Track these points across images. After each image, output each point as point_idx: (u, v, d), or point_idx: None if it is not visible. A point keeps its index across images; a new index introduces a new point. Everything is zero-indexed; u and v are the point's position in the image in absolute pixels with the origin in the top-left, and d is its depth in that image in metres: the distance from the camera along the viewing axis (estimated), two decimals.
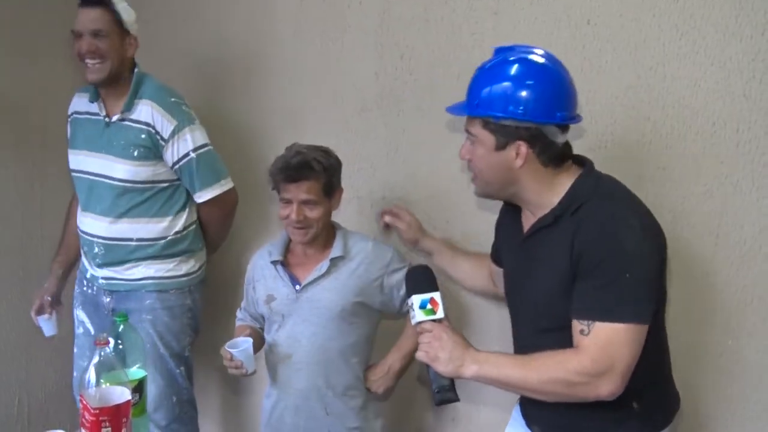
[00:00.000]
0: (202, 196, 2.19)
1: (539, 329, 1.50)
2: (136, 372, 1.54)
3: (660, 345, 1.51)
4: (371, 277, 1.90)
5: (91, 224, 2.18)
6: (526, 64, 1.45)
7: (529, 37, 1.88)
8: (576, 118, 1.48)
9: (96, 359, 1.38)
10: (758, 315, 1.68)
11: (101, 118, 2.16)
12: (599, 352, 1.32)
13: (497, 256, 1.76)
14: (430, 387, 1.46)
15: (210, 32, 2.43)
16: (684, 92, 1.72)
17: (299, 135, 2.10)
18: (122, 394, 1.39)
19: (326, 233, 1.93)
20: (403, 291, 1.89)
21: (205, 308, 2.38)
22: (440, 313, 1.45)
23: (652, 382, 1.47)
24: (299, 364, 1.90)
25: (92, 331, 2.28)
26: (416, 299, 1.46)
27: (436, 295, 1.46)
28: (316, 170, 1.82)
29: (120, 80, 2.12)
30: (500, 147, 1.44)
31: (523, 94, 1.41)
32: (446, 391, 1.43)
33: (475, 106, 1.45)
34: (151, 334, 2.18)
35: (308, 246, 1.92)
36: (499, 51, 1.50)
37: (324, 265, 1.88)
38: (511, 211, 1.62)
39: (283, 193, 1.86)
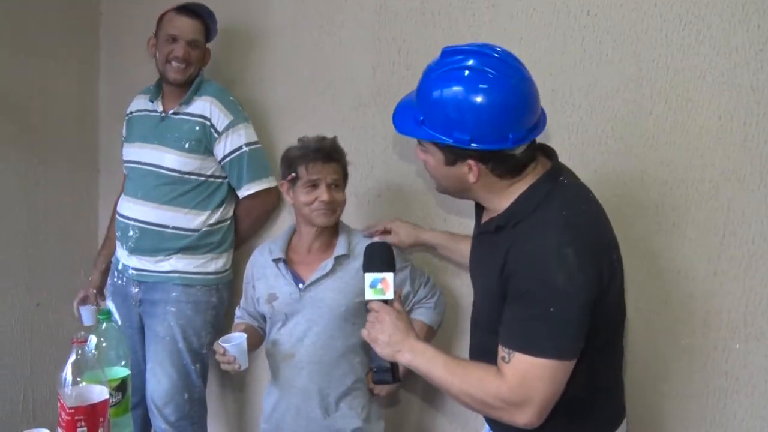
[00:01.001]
0: (249, 189, 2.28)
1: (477, 324, 1.48)
2: (118, 370, 1.51)
3: (597, 376, 1.40)
4: None
5: (131, 208, 2.28)
6: (475, 77, 1.27)
7: (526, 29, 1.83)
8: (535, 131, 1.32)
9: (73, 357, 1.35)
10: (767, 318, 1.60)
11: (158, 113, 2.29)
12: (517, 383, 1.27)
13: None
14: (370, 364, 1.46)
15: None
16: (688, 85, 1.65)
17: (294, 130, 2.07)
18: (100, 393, 1.37)
19: (330, 230, 1.90)
20: (406, 289, 1.87)
21: (231, 304, 2.38)
22: (389, 295, 1.43)
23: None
24: (301, 363, 1.87)
25: (119, 322, 2.34)
26: (368, 277, 1.45)
27: (389, 276, 1.44)
28: (343, 154, 1.87)
29: (190, 82, 2.27)
30: (450, 163, 1.34)
31: (470, 117, 1.26)
32: (383, 372, 1.44)
33: (420, 124, 1.33)
34: (172, 327, 2.25)
35: (314, 241, 1.89)
36: (448, 53, 1.33)
37: (328, 263, 1.85)
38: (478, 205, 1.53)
39: (311, 174, 1.82)
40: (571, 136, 1.80)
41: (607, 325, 1.37)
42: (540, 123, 1.35)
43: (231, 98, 2.29)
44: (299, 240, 1.93)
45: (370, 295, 1.44)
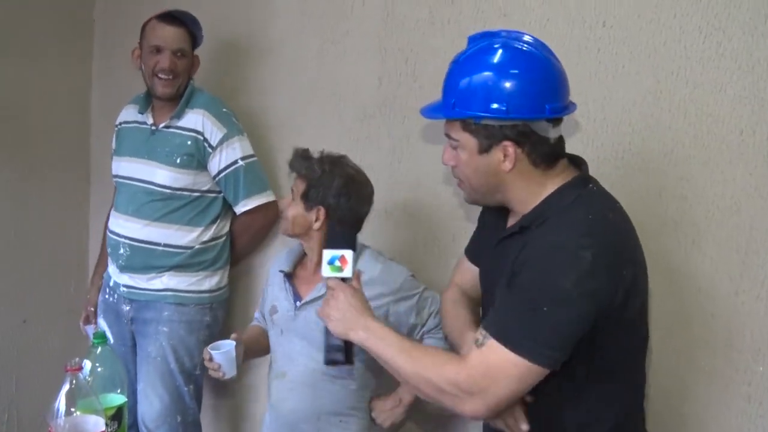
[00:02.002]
0: (247, 204, 2.20)
1: None
2: (114, 398, 1.43)
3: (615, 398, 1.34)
4: (375, 304, 1.71)
5: (122, 225, 2.20)
6: (508, 51, 1.28)
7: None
8: (569, 108, 1.32)
9: (67, 387, 1.27)
10: None
11: (147, 126, 2.20)
12: (480, 371, 1.21)
13: (475, 252, 1.60)
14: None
15: (204, 31, 2.31)
16: (708, 98, 1.60)
17: (297, 142, 1.99)
18: (96, 424, 1.29)
19: None
20: (412, 320, 1.77)
21: (226, 323, 2.33)
22: (347, 272, 1.39)
23: None
24: (292, 384, 1.80)
25: (111, 340, 2.25)
26: (326, 254, 1.41)
27: (348, 254, 1.39)
28: (302, 164, 1.79)
29: (180, 94, 2.18)
30: (484, 150, 1.30)
31: (507, 86, 1.25)
32: (335, 351, 1.39)
33: (452, 107, 1.30)
34: (164, 347, 2.17)
35: (318, 258, 1.79)
36: (475, 39, 1.34)
37: (324, 284, 1.75)
38: (494, 208, 1.47)
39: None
40: (587, 149, 1.74)
41: (621, 346, 1.30)
42: (572, 104, 1.34)
43: (224, 110, 2.21)
44: (308, 256, 1.86)
45: (327, 272, 1.40)
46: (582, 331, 1.21)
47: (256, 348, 1.91)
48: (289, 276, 1.84)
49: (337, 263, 1.39)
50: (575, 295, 1.18)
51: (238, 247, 2.33)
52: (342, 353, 1.39)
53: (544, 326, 1.19)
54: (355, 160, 2.09)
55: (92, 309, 2.40)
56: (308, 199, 1.76)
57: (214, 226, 2.23)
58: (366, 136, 2.15)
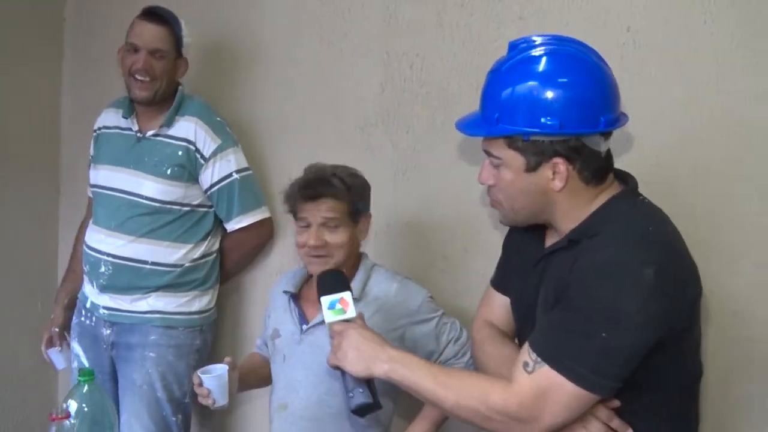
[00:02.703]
0: (241, 221, 2.07)
1: None
2: None
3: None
4: (390, 327, 1.62)
5: (102, 241, 2.03)
6: (554, 58, 1.19)
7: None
8: (621, 119, 1.23)
9: None
10: None
11: (132, 133, 2.05)
12: (532, 398, 1.14)
13: (504, 281, 1.49)
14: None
15: (192, 31, 2.15)
16: (743, 109, 1.50)
17: (292, 152, 1.88)
18: None
19: (350, 267, 1.67)
20: (430, 346, 1.65)
21: (213, 346, 2.18)
22: (351, 312, 1.34)
23: None
24: (292, 418, 1.65)
25: (86, 365, 2.09)
26: (325, 300, 1.36)
27: (346, 295, 1.35)
28: (336, 187, 1.61)
29: (161, 99, 2.03)
30: (532, 168, 1.20)
31: (557, 98, 1.16)
32: (359, 396, 1.27)
33: (495, 122, 1.20)
34: (151, 374, 2.01)
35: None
36: (516, 45, 1.24)
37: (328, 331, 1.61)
38: (525, 227, 1.36)
39: (300, 213, 1.64)
40: (618, 157, 1.64)
41: (678, 380, 1.21)
42: (624, 115, 1.25)
43: (218, 118, 2.06)
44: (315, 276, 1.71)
45: (330, 317, 1.34)
46: (643, 358, 1.12)
47: (252, 378, 1.76)
48: (295, 297, 1.70)
49: (338, 306, 1.34)
50: (639, 319, 1.09)
51: (228, 265, 2.18)
52: (368, 394, 1.28)
53: (603, 353, 1.10)
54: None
55: (56, 330, 2.22)
56: (356, 214, 1.65)
57: (205, 243, 2.08)
58: (367, 146, 2.02)
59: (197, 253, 2.05)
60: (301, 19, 2.13)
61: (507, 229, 1.50)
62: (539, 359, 1.13)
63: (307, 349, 1.64)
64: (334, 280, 1.39)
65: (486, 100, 1.24)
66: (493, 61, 1.69)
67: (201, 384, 1.57)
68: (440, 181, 1.91)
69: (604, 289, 1.11)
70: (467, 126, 1.27)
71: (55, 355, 2.22)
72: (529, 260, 1.34)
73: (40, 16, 2.69)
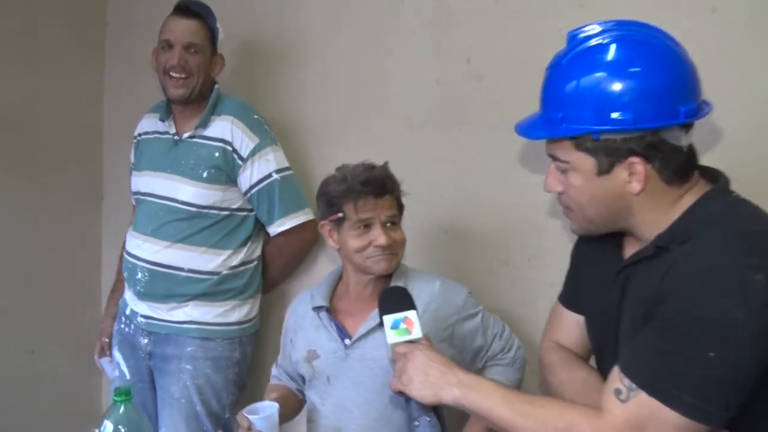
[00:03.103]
0: (283, 224, 1.96)
1: None
2: None
3: None
4: (440, 327, 1.53)
5: (140, 246, 1.97)
6: (623, 45, 1.07)
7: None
8: (703, 108, 1.10)
9: None
10: None
11: (170, 136, 1.98)
12: (627, 430, 1.01)
13: (575, 297, 1.36)
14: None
15: (230, 28, 2.10)
16: None
17: (336, 153, 1.77)
18: None
19: None
20: (478, 341, 1.56)
21: (255, 358, 2.09)
22: (416, 333, 1.24)
23: None
24: None
25: (128, 376, 2.03)
26: (387, 320, 1.27)
27: (411, 314, 1.26)
28: (397, 183, 1.56)
29: (198, 98, 1.95)
30: (605, 171, 1.08)
31: (628, 89, 1.04)
32: (427, 426, 1.19)
33: (559, 122, 1.09)
34: (188, 387, 1.93)
35: (364, 286, 1.57)
36: (576, 36, 1.13)
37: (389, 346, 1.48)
38: (597, 236, 1.23)
39: (361, 213, 1.51)
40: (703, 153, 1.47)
41: None
42: (705, 103, 1.12)
43: (255, 116, 1.97)
44: (346, 286, 1.60)
45: (393, 338, 1.25)
46: (758, 378, 0.97)
47: (286, 411, 1.63)
48: (328, 311, 1.58)
49: (402, 326, 1.25)
50: (750, 332, 0.95)
51: (272, 273, 2.07)
52: (435, 423, 1.18)
53: (711, 376, 0.96)
54: (405, 174, 1.84)
55: (107, 340, 2.16)
56: (401, 211, 1.59)
57: (245, 249, 1.98)
58: (418, 146, 1.90)
59: (236, 260, 1.96)
60: (344, 13, 2.03)
61: (576, 235, 1.35)
62: (634, 385, 0.99)
63: (356, 365, 1.52)
64: (398, 298, 1.30)
65: (547, 98, 1.13)
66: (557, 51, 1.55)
67: (250, 427, 1.43)
68: (499, 183, 1.77)
69: (708, 301, 0.97)
70: (528, 129, 1.16)
71: (107, 365, 2.16)
72: (605, 273, 1.20)
73: (83, 20, 2.65)
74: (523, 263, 1.75)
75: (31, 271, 2.57)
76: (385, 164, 1.57)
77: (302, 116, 2.14)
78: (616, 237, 1.21)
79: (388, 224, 1.51)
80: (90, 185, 2.74)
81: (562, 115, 1.08)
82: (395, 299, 1.30)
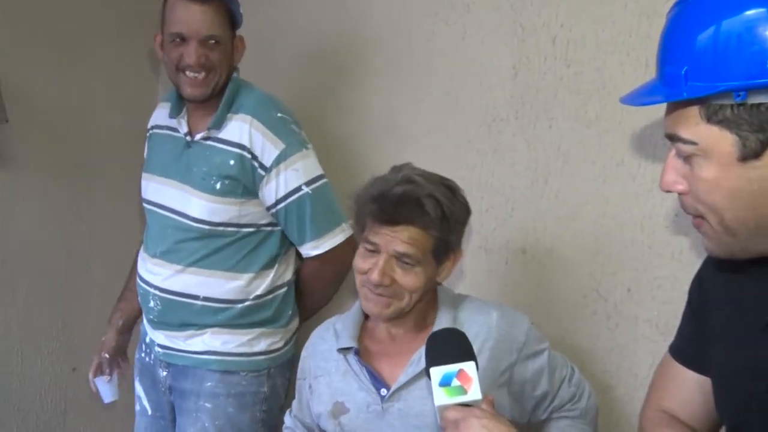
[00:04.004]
0: (318, 246, 1.66)
1: None
2: None
3: None
4: (498, 369, 1.24)
5: (150, 270, 1.71)
6: None
7: None
8: None
9: None
10: None
11: (182, 135, 1.69)
12: None
13: (696, 351, 1.03)
14: None
15: (286, 16, 1.90)
16: None
17: (401, 156, 1.50)
18: None
19: (425, 303, 1.28)
20: (542, 387, 1.28)
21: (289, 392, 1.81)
22: (474, 393, 0.99)
23: None
24: None
25: (149, 411, 1.80)
26: (436, 374, 1.01)
27: (469, 367, 1.01)
28: (429, 215, 1.19)
29: (219, 92, 1.67)
30: (752, 153, 0.79)
31: None
32: None
33: (683, 80, 0.80)
34: (207, 430, 1.65)
35: (394, 323, 1.27)
36: None
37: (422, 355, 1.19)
38: (732, 266, 0.93)
39: (369, 234, 1.23)
40: None
41: None
42: None
43: (279, 114, 1.64)
44: (372, 317, 1.30)
45: (442, 399, 1.00)
46: None
47: None
48: (358, 353, 1.28)
49: (456, 383, 1.00)
50: None
51: (310, 300, 1.78)
52: None
53: None
54: (480, 180, 1.58)
55: (106, 356, 1.91)
56: (443, 252, 1.24)
57: (271, 272, 1.67)
58: (495, 147, 1.60)
59: (262, 287, 1.66)
60: None
61: (696, 262, 1.06)
62: None
63: (396, 423, 1.22)
64: (451, 344, 1.04)
65: (667, 52, 0.85)
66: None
67: None
68: (595, 191, 1.45)
69: None
70: (635, 95, 0.89)
71: (103, 385, 1.93)
72: (749, 318, 0.89)
73: (135, 14, 2.48)
74: (622, 296, 1.41)
75: (79, 285, 2.41)
76: (434, 182, 1.22)
77: (362, 116, 1.88)
78: (762, 264, 0.87)
79: (402, 261, 1.19)
80: (139, 194, 2.59)
81: (687, 69, 0.79)
82: (448, 345, 1.04)
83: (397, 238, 1.18)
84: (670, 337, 1.16)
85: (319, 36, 1.97)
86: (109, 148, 2.47)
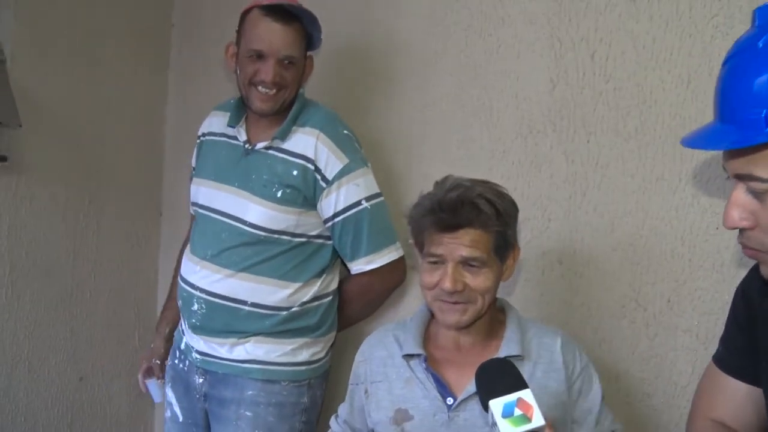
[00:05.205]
0: (371, 263, 1.68)
1: None
2: None
3: None
4: (560, 390, 1.24)
5: (197, 273, 1.71)
6: None
7: None
8: None
9: None
10: None
11: (241, 144, 1.70)
12: None
13: (742, 361, 1.06)
14: None
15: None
16: None
17: (435, 169, 1.52)
18: None
19: (491, 315, 1.29)
20: (591, 417, 1.26)
21: (325, 402, 1.80)
22: (537, 419, 0.99)
23: None
24: None
25: (180, 418, 1.78)
26: (496, 406, 1.00)
27: (526, 395, 1.00)
28: (486, 213, 1.21)
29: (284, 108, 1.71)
30: None
31: None
32: None
33: (764, 123, 0.82)
34: None
35: (463, 332, 1.26)
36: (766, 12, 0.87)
37: None
38: None
39: (431, 247, 1.23)
40: None
41: None
42: None
43: (345, 132, 1.68)
44: (440, 327, 1.30)
45: (507, 429, 0.98)
46: None
47: None
48: (426, 360, 1.28)
49: (518, 411, 0.99)
50: None
51: (349, 312, 1.78)
52: None
53: None
54: (517, 190, 1.57)
55: (157, 362, 1.93)
56: (505, 248, 1.26)
57: (319, 282, 1.69)
58: (532, 159, 1.61)
59: (309, 295, 1.67)
60: (444, 6, 1.75)
61: (736, 275, 1.11)
62: None
63: (461, 430, 1.21)
64: (503, 374, 1.03)
65: (734, 96, 0.87)
66: (711, 44, 1.27)
67: None
68: (634, 204, 1.46)
69: None
70: (708, 138, 0.90)
71: (154, 388, 1.95)
72: None
73: (148, 22, 2.48)
74: (663, 306, 1.42)
75: (86, 292, 2.36)
76: (479, 185, 1.24)
77: (395, 128, 1.86)
78: None
79: (470, 264, 1.21)
80: (149, 200, 2.54)
81: (766, 113, 0.81)
82: (499, 376, 1.03)
83: (461, 244, 1.20)
84: (711, 347, 1.18)
85: (348, 47, 1.95)
86: (120, 155, 2.43)
